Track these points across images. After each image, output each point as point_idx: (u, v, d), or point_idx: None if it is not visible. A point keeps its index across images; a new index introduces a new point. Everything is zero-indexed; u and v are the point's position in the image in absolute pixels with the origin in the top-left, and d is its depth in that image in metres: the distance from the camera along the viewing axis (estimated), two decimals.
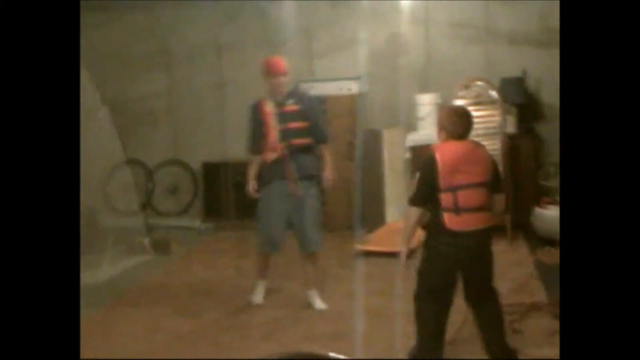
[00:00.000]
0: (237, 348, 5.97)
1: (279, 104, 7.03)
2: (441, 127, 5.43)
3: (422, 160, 5.48)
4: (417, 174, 5.48)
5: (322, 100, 10.06)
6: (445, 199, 5.17)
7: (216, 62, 11.08)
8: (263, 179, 7.06)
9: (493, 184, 5.37)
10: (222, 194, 10.88)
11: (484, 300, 5.45)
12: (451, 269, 5.28)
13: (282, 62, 7.09)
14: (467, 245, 5.27)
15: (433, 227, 5.28)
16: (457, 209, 5.18)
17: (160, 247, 9.24)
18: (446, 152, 5.27)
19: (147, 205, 10.73)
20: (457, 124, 5.38)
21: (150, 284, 8.05)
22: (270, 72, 7.00)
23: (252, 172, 7.13)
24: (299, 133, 6.93)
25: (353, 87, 10.10)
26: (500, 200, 5.48)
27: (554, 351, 5.57)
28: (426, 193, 5.25)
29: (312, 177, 6.97)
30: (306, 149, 6.96)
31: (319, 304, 6.89)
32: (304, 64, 10.63)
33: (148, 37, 11.23)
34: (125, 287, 7.86)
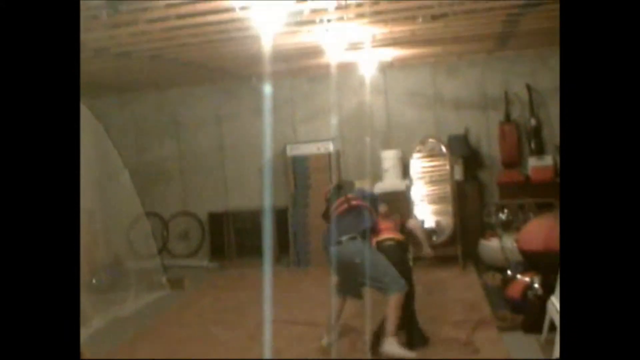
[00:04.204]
0: None
1: None
2: None
3: None
4: None
5: (305, 158, 10.21)
6: None
7: (217, 130, 11.17)
8: None
9: None
10: (225, 238, 10.92)
11: None
12: None
13: None
14: None
15: None
16: None
17: (176, 284, 9.24)
18: None
19: (163, 249, 10.74)
20: None
21: (168, 315, 8.06)
22: None
23: None
24: None
25: (329, 147, 10.17)
26: None
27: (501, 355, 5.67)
28: None
29: None
30: None
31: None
32: (289, 129, 10.74)
33: (161, 111, 11.34)
34: (148, 318, 7.85)
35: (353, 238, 5.97)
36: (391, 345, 5.69)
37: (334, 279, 6.31)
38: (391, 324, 5.71)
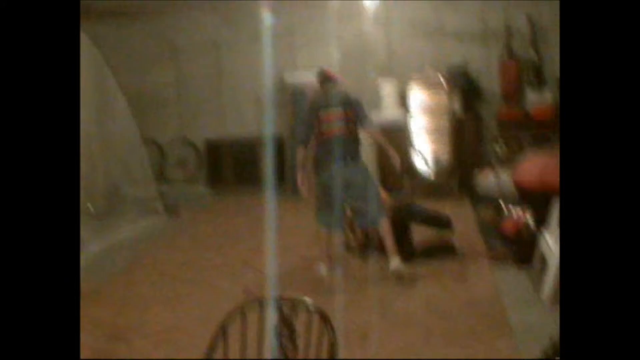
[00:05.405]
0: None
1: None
2: None
3: None
4: None
5: (304, 86, 10.06)
6: None
7: (215, 56, 11.02)
8: None
9: None
10: (222, 166, 10.90)
11: None
12: None
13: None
14: None
15: None
16: None
17: (171, 210, 9.25)
18: None
19: (160, 176, 10.72)
20: None
21: (164, 241, 8.10)
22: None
23: None
24: None
25: None
26: None
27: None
28: None
29: None
30: None
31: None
32: (287, 56, 10.54)
33: (159, 37, 11.14)
34: (143, 243, 7.89)
35: (353, 159, 6.12)
36: (397, 264, 6.02)
37: (317, 206, 6.32)
38: (391, 246, 6.07)
